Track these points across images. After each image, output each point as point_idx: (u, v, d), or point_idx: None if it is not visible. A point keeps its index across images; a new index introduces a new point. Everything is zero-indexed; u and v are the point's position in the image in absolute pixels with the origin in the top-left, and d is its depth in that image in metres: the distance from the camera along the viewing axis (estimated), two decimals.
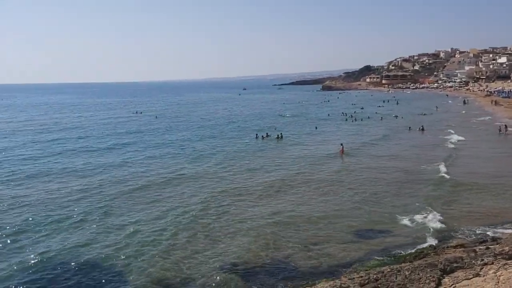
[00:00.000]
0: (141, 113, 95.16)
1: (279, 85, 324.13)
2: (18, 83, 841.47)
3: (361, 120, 73.67)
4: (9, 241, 19.56)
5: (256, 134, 54.36)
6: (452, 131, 54.37)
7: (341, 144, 43.16)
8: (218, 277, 16.14)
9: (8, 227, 21.20)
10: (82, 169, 34.67)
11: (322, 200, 26.23)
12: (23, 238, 19.94)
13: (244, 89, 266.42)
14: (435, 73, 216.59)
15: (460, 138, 49.11)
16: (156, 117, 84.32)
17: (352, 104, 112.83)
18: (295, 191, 28.19)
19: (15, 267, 17.02)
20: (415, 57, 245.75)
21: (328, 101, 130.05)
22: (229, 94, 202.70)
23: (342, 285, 13.81)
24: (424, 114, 79.50)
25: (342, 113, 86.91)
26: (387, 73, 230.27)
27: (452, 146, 44.56)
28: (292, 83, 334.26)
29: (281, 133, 54.69)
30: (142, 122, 74.33)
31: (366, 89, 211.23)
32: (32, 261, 17.50)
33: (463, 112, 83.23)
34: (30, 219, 22.36)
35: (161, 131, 61.18)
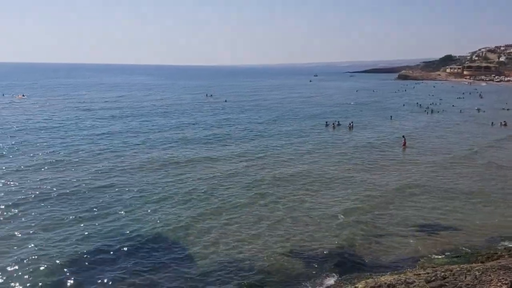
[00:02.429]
0: (211, 96, 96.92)
1: (351, 72, 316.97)
2: (70, 63, 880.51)
3: (438, 112, 70.44)
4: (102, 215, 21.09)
5: (326, 122, 53.82)
6: None
7: (403, 137, 41.96)
8: (279, 262, 16.50)
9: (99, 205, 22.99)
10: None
11: (392, 191, 25.76)
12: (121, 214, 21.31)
13: (315, 75, 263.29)
14: None
15: None
16: (226, 101, 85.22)
17: (430, 95, 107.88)
18: (363, 182, 27.73)
19: (104, 240, 18.45)
20: (502, 48, 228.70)
21: (405, 90, 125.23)
22: (299, 80, 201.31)
23: (407, 280, 13.60)
24: (508, 109, 74.30)
25: (417, 103, 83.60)
26: (469, 64, 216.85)
27: None
28: (366, 71, 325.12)
29: (352, 122, 53.70)
30: (213, 106, 74.90)
31: (446, 80, 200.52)
32: (125, 236, 18.80)
33: None
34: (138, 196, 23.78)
35: (232, 115, 61.66)
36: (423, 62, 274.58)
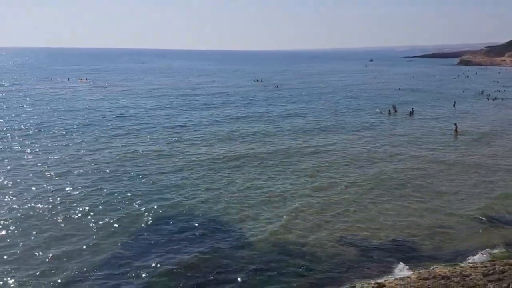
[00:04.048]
0: (261, 81, 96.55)
1: (409, 57, 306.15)
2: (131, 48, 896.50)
3: (502, 99, 66.71)
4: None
5: (380, 111, 52.59)
6: None
7: (455, 124, 40.81)
8: (335, 248, 16.67)
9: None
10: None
11: (451, 180, 25.25)
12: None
13: (371, 60, 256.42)
14: None
15: None
16: (277, 86, 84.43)
17: (494, 81, 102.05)
18: (424, 173, 26.86)
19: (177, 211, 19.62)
20: None
21: (467, 76, 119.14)
22: (354, 65, 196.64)
23: (463, 272, 13.33)
24: None
25: (480, 90, 79.46)
26: None
27: None
28: (424, 56, 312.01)
29: (412, 108, 52.28)
30: (268, 95, 72.10)
31: None
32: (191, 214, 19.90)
33: None
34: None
35: (290, 105, 59.10)
36: (487, 46, 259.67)
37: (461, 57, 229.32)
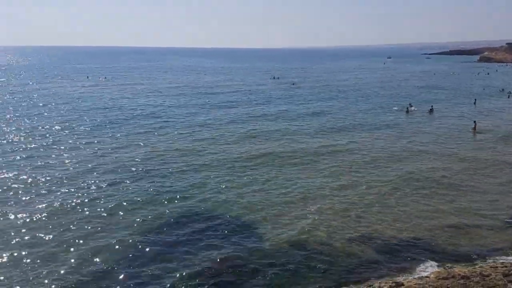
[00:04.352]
0: (278, 78, 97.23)
1: (427, 54, 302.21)
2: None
3: None
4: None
5: (397, 108, 52.47)
6: None
7: (474, 122, 40.69)
8: (356, 248, 16.89)
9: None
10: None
11: (475, 179, 25.28)
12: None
13: (389, 57, 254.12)
14: None
15: None
16: (293, 84, 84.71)
17: None
18: (448, 172, 26.76)
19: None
20: None
21: (488, 74, 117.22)
22: (372, 63, 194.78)
23: (483, 272, 13.45)
24: None
25: (501, 88, 78.15)
26: None
27: None
28: (442, 53, 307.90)
29: (432, 106, 51.91)
30: (283, 90, 74.04)
31: None
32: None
33: None
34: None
35: (302, 99, 61.45)
36: (508, 43, 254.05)
37: (481, 54, 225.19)
